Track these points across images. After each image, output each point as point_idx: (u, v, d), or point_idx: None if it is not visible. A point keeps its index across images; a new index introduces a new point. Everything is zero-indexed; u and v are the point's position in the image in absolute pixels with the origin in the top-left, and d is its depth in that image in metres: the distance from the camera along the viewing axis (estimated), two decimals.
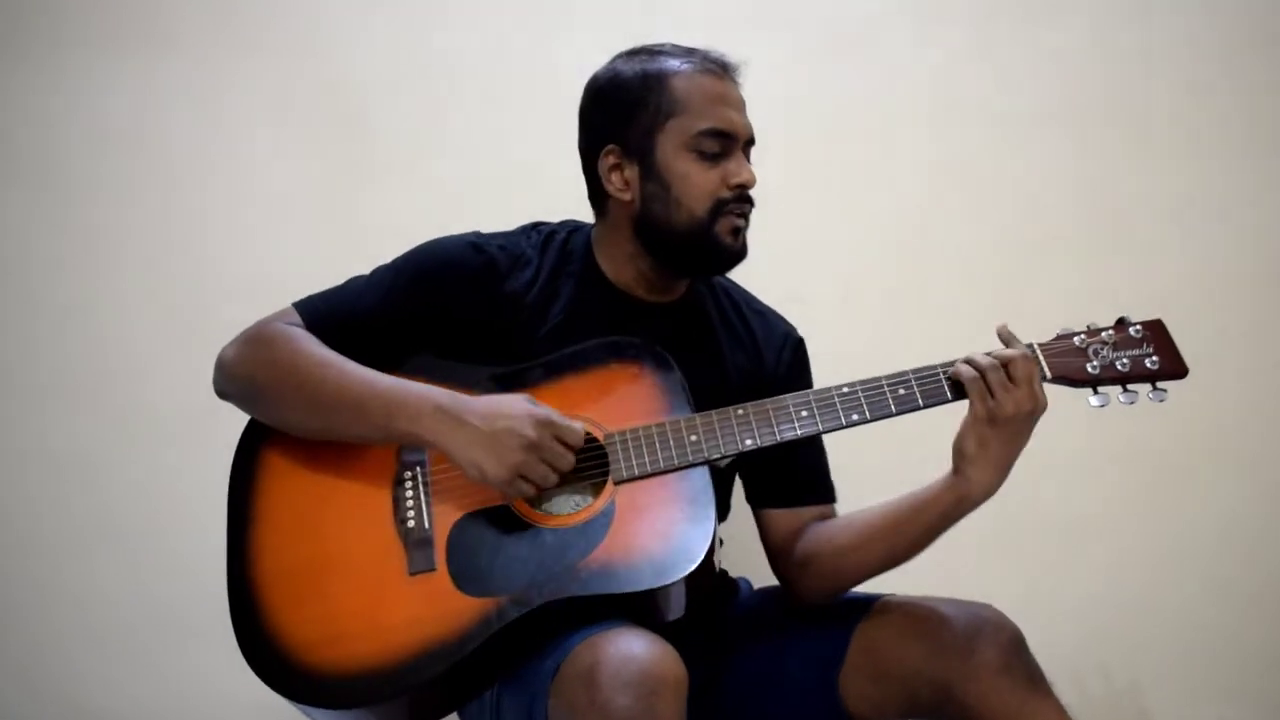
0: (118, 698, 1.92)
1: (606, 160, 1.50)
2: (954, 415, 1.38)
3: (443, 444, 1.33)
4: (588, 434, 1.41)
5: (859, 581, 1.48)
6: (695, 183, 1.46)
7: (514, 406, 1.34)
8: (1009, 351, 1.35)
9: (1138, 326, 1.42)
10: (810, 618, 1.50)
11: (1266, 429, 2.13)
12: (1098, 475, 2.10)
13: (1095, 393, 1.41)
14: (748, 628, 1.55)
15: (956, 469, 1.37)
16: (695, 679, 1.47)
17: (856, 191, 2.12)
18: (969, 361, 1.36)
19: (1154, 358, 1.41)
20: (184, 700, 1.92)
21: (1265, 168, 2.16)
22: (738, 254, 1.50)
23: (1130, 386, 1.42)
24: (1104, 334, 1.42)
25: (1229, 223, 2.15)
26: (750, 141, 1.51)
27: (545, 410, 1.33)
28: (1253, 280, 2.15)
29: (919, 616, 1.42)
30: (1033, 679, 1.36)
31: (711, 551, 1.34)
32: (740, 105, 1.50)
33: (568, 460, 1.33)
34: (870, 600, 1.49)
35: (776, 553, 1.55)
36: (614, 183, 1.50)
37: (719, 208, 1.46)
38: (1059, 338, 1.43)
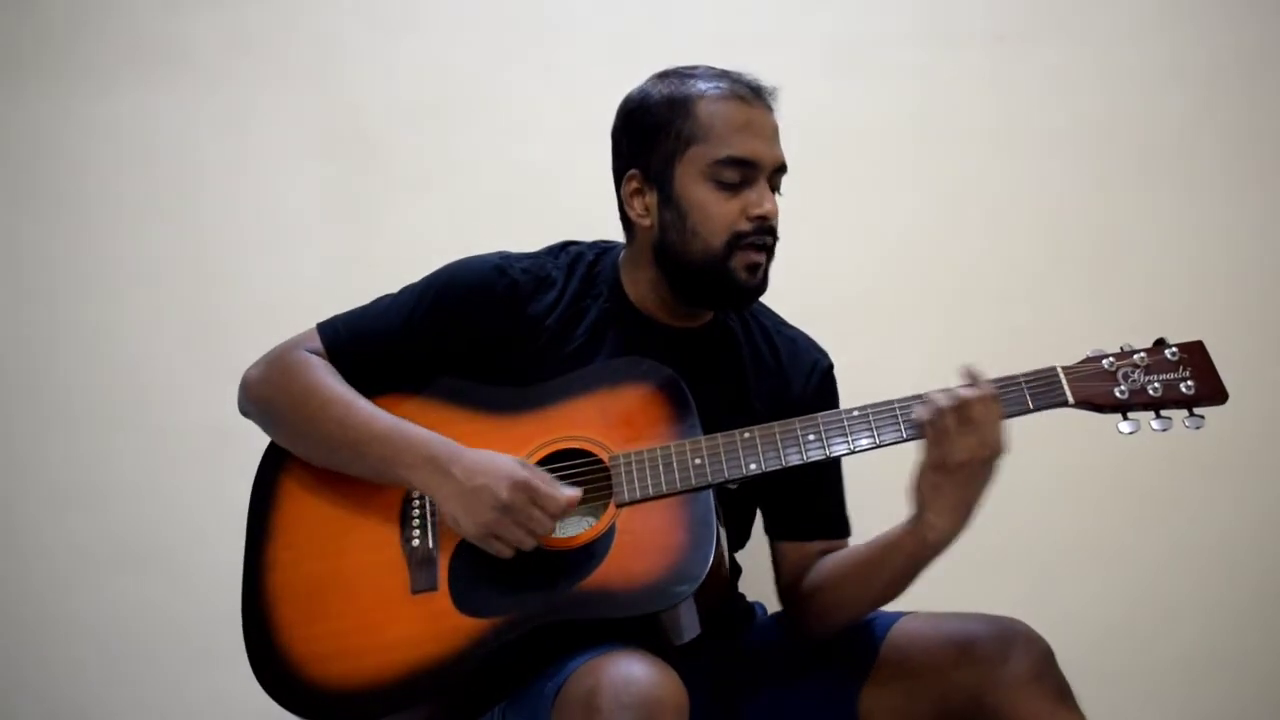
0: (135, 712, 1.97)
1: (629, 185, 1.49)
2: None
3: (430, 493, 1.36)
4: (593, 455, 1.40)
5: (849, 620, 1.44)
6: (712, 213, 1.42)
7: (497, 466, 1.32)
8: (967, 392, 1.27)
9: (1174, 349, 1.34)
10: (830, 640, 1.47)
11: (1272, 442, 2.06)
12: (1106, 496, 2.06)
13: (1125, 418, 1.33)
14: (765, 653, 1.53)
15: (915, 513, 1.32)
16: (711, 705, 1.48)
17: (866, 210, 2.10)
18: (927, 400, 1.29)
19: (1190, 382, 1.32)
20: (201, 716, 1.96)
21: (1274, 186, 2.10)
22: (753, 291, 1.45)
23: (1164, 413, 1.34)
24: (1136, 356, 1.34)
25: (1236, 240, 2.10)
26: (780, 170, 1.46)
27: (527, 474, 1.31)
28: (1259, 296, 2.09)
29: (950, 629, 1.40)
30: (1062, 692, 1.34)
31: (715, 574, 1.32)
32: (768, 132, 1.45)
33: (545, 525, 1.31)
34: (894, 617, 1.46)
35: (782, 586, 1.53)
36: (635, 208, 1.49)
37: (736, 240, 1.42)
38: (1087, 360, 1.35)
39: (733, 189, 1.42)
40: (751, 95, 1.45)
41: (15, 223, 2.06)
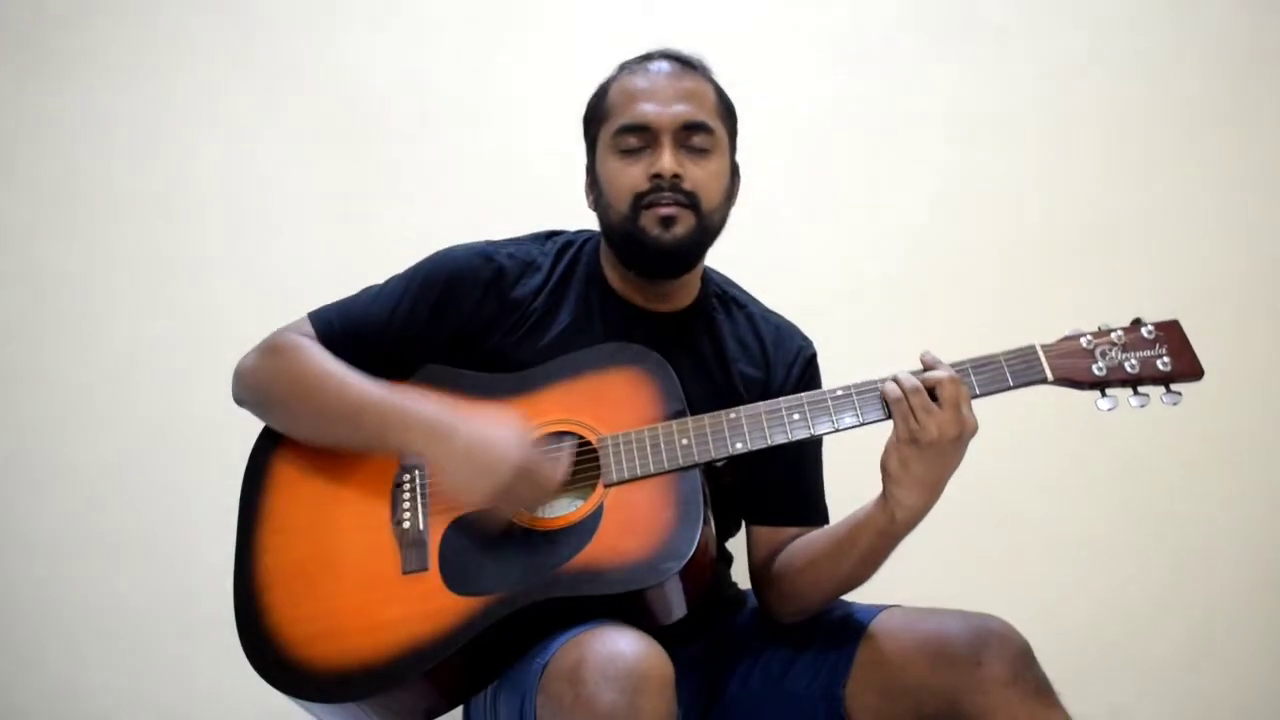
0: (131, 704, 1.97)
1: (587, 179, 1.56)
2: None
3: (430, 459, 1.37)
4: (582, 438, 1.42)
5: (819, 601, 1.46)
6: (617, 182, 1.48)
7: (502, 431, 1.34)
8: (937, 373, 1.31)
9: (1150, 327, 1.37)
10: (815, 630, 1.48)
11: (1268, 440, 2.08)
12: (1098, 487, 2.07)
13: (1103, 395, 1.36)
14: (753, 640, 1.54)
15: (884, 489, 1.34)
16: (699, 689, 1.49)
17: (866, 201, 2.11)
18: (895, 380, 1.32)
19: (1166, 359, 1.35)
20: (198, 706, 1.97)
21: (1270, 176, 2.13)
22: (668, 246, 1.46)
23: (1141, 389, 1.36)
24: (1113, 335, 1.37)
25: (1235, 231, 2.12)
26: (688, 128, 1.47)
27: (529, 446, 1.34)
28: (1255, 290, 2.11)
29: (924, 629, 1.39)
30: (1041, 691, 1.33)
31: (703, 553, 1.33)
32: (667, 95, 1.47)
33: (555, 482, 1.34)
34: (875, 612, 1.46)
35: (753, 569, 1.54)
36: (589, 198, 1.55)
37: (638, 201, 1.46)
38: (1065, 339, 1.38)
39: (634, 154, 1.47)
40: (659, 65, 1.50)
41: (9, 214, 2.07)
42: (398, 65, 2.11)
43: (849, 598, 1.50)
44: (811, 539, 1.47)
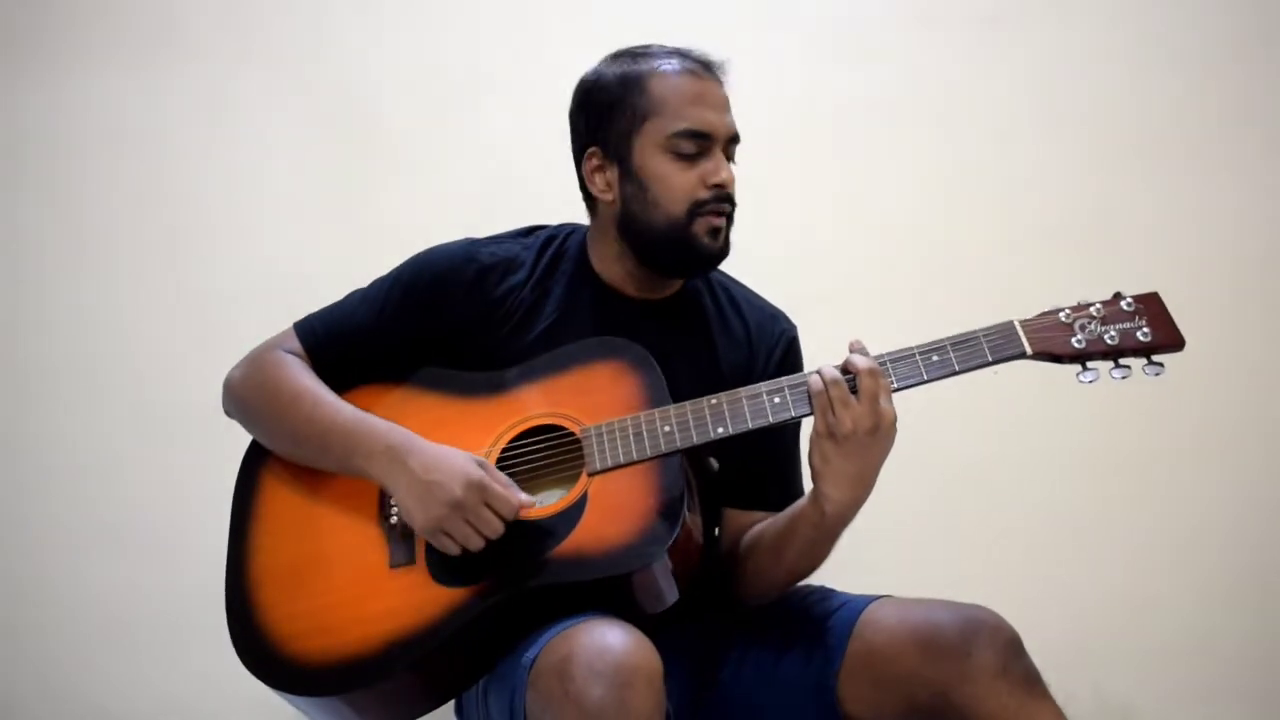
0: (126, 694, 1.98)
1: (590, 162, 1.54)
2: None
3: (387, 485, 1.39)
4: (566, 429, 1.43)
5: (766, 589, 1.47)
6: (672, 184, 1.48)
7: (453, 463, 1.34)
8: (857, 364, 1.31)
9: (1129, 300, 1.36)
10: (807, 620, 1.47)
11: (1257, 428, 2.07)
12: (1089, 476, 2.06)
13: (1084, 369, 1.35)
14: (745, 630, 1.53)
15: (813, 484, 1.35)
16: (692, 678, 1.48)
17: (856, 192, 2.12)
18: (818, 372, 1.33)
19: (1146, 330, 1.34)
20: (192, 698, 1.98)
21: (1265, 167, 2.12)
22: (717, 254, 1.50)
23: (1123, 361, 1.36)
24: (1092, 308, 1.36)
25: (1228, 222, 2.11)
26: (733, 139, 1.52)
27: (483, 473, 1.34)
28: (1246, 279, 2.10)
29: (915, 619, 1.38)
30: (1030, 681, 1.32)
31: (686, 537, 1.34)
32: (720, 104, 1.51)
33: (494, 526, 1.33)
34: (865, 602, 1.45)
35: (720, 551, 1.55)
36: (596, 184, 1.54)
37: (696, 208, 1.47)
38: (1043, 314, 1.38)
39: (690, 159, 1.47)
40: (702, 69, 1.51)
41: (4, 205, 2.09)
42: (396, 59, 2.13)
43: (840, 587, 1.51)
44: (760, 528, 1.48)
